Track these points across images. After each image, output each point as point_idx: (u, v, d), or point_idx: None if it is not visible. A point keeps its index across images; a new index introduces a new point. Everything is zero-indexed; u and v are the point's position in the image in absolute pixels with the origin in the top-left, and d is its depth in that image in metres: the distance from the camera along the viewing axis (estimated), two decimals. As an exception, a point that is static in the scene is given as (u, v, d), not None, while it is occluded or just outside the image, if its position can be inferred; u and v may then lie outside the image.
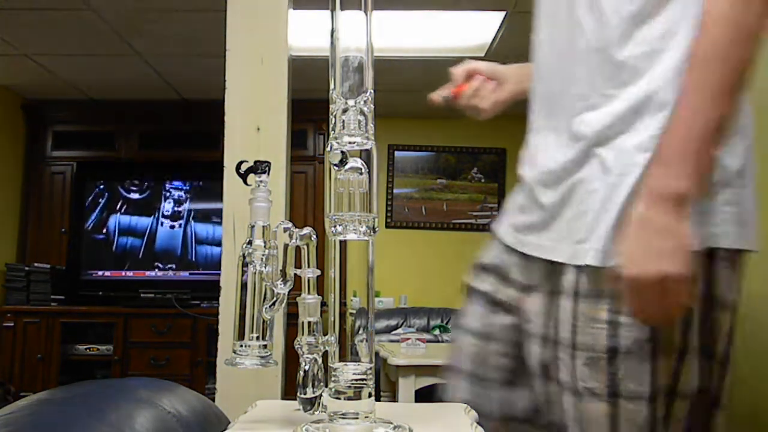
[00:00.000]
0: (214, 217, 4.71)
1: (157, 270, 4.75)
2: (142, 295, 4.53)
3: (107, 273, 4.75)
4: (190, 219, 4.81)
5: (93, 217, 4.82)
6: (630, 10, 0.98)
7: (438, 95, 1.31)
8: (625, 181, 0.96)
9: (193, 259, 4.77)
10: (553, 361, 1.03)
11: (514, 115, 1.35)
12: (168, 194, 4.85)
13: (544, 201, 1.05)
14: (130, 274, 4.75)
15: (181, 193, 4.85)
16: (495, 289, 1.15)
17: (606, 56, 0.99)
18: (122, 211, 4.83)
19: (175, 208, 4.83)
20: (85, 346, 4.46)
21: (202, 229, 4.81)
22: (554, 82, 1.07)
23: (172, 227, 4.81)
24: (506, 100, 1.31)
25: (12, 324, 4.39)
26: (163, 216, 4.83)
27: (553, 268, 1.03)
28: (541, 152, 1.08)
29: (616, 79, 0.98)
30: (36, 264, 4.55)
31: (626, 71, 0.98)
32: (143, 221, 4.83)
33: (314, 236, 0.79)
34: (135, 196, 4.86)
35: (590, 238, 0.98)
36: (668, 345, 0.96)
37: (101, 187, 4.85)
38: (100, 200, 4.84)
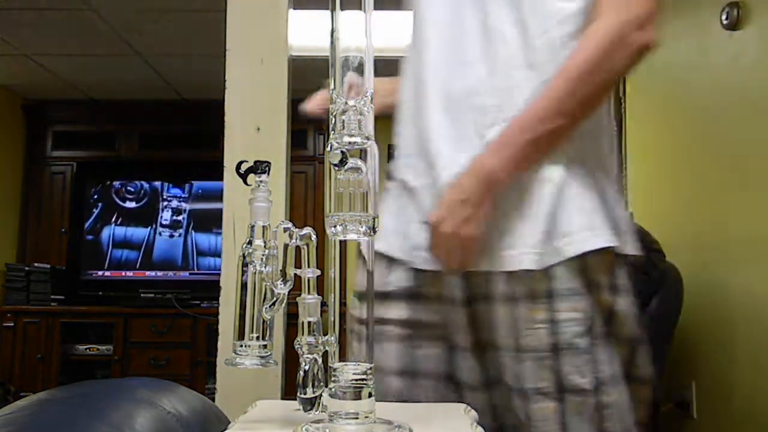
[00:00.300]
0: (214, 228, 4.61)
1: (157, 270, 4.75)
2: (142, 295, 4.53)
3: (107, 273, 4.74)
4: (190, 229, 4.77)
5: (91, 220, 4.81)
6: (559, 30, 1.00)
7: (314, 106, 1.27)
8: (548, 188, 1.00)
9: (195, 269, 4.76)
10: (498, 366, 1.04)
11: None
12: (166, 202, 4.83)
13: None
14: (129, 274, 4.74)
15: (180, 202, 4.82)
16: (409, 315, 1.09)
17: (531, 73, 1.01)
18: (118, 222, 4.79)
19: (174, 217, 4.81)
20: (85, 346, 4.46)
21: (204, 239, 4.75)
22: (457, 90, 1.06)
23: (171, 236, 4.79)
24: (375, 114, 1.31)
25: (12, 324, 4.39)
26: (162, 225, 4.80)
27: (474, 277, 1.03)
28: (442, 161, 1.05)
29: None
30: (36, 264, 4.55)
31: None
32: (140, 231, 4.79)
33: (314, 236, 0.79)
34: (132, 204, 4.84)
35: (521, 244, 0.99)
36: (602, 335, 1.00)
37: (95, 197, 4.82)
38: (94, 210, 4.82)
